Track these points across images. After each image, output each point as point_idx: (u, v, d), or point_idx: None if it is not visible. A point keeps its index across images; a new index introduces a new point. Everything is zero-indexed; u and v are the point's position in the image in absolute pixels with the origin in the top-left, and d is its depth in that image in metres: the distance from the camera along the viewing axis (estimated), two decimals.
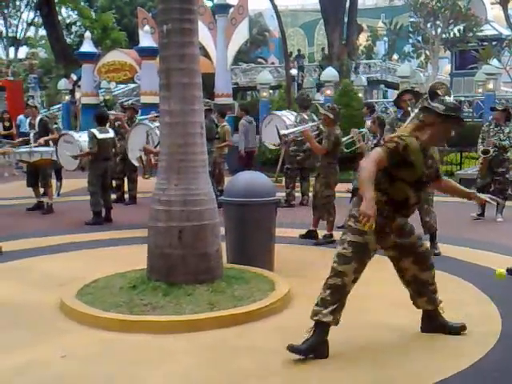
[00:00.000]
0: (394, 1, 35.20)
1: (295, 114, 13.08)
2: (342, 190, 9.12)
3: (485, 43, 22.76)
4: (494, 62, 17.83)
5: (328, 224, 8.48)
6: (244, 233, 6.75)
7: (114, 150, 10.71)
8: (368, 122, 12.94)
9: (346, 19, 26.25)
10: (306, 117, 12.03)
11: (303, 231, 8.74)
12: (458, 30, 25.02)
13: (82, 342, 4.85)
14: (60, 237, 8.84)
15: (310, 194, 9.41)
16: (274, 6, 19.76)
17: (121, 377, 4.23)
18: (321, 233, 8.58)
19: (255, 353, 4.60)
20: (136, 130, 11.39)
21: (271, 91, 23.04)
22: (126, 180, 12.56)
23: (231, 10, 22.30)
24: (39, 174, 11.18)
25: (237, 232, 6.81)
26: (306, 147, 11.27)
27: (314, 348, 4.43)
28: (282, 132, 10.54)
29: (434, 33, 24.33)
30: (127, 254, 7.71)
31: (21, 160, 11.58)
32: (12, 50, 41.46)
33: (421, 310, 4.97)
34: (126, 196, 12.52)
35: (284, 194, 11.70)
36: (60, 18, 36.00)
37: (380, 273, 5.22)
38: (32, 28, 43.54)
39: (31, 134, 11.57)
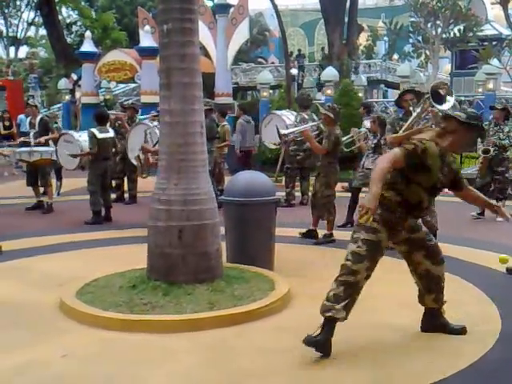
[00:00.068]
0: (394, 1, 35.25)
1: (295, 113, 13.08)
2: (338, 188, 9.09)
3: (485, 43, 22.80)
4: (494, 61, 17.86)
5: (328, 223, 8.48)
6: (244, 232, 6.75)
7: (114, 149, 10.70)
8: (365, 122, 12.97)
9: (346, 19, 26.24)
10: (306, 116, 12.03)
11: (303, 230, 8.74)
12: (459, 30, 25.04)
13: (82, 341, 4.85)
14: (60, 236, 8.84)
15: (310, 194, 9.40)
16: (275, 6, 19.75)
17: (121, 376, 4.23)
18: (321, 232, 8.58)
19: (255, 352, 4.60)
20: (136, 129, 11.39)
21: (271, 91, 23.04)
22: (125, 179, 12.57)
23: (231, 9, 22.30)
24: (39, 174, 11.19)
25: (237, 231, 6.81)
26: (306, 147, 11.26)
27: (322, 345, 4.43)
28: (282, 132, 10.53)
29: (434, 32, 24.35)
30: (127, 253, 7.71)
31: (21, 159, 11.58)
32: (12, 49, 41.47)
33: (422, 310, 4.97)
34: (126, 195, 12.53)
35: (284, 193, 11.70)
36: (60, 17, 35.98)
37: (385, 273, 5.22)
38: (32, 28, 43.54)
39: (31, 134, 11.57)
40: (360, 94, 19.89)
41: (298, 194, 12.23)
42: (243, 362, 4.43)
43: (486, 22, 27.23)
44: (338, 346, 4.59)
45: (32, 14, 40.34)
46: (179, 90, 5.82)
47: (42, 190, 11.52)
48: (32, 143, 11.34)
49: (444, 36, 24.92)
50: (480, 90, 20.26)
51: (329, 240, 8.40)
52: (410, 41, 27.76)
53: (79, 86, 23.50)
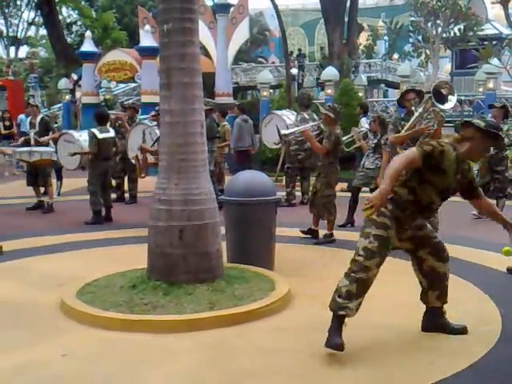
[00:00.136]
0: (394, 0, 35.23)
1: (295, 113, 13.08)
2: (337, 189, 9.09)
3: (485, 42, 22.79)
4: (495, 61, 17.85)
5: (328, 223, 8.48)
6: (244, 232, 6.75)
7: (114, 149, 10.70)
8: (361, 122, 13.01)
9: (346, 18, 26.23)
10: (306, 116, 12.03)
11: (304, 229, 8.74)
12: (459, 29, 25.04)
13: (82, 341, 4.85)
14: (60, 236, 8.84)
15: (310, 194, 9.40)
16: (275, 6, 19.74)
17: (121, 376, 4.23)
18: (321, 232, 8.58)
19: (255, 352, 4.60)
20: (136, 129, 11.40)
21: (271, 90, 23.03)
22: (126, 179, 12.57)
23: (231, 9, 22.28)
24: (39, 174, 11.19)
25: (237, 231, 6.81)
26: (306, 146, 11.25)
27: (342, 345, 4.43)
28: (283, 132, 10.54)
29: (434, 32, 24.36)
30: (127, 253, 7.71)
31: (21, 159, 11.58)
32: (13, 49, 41.52)
33: (422, 311, 4.97)
34: (127, 195, 12.53)
35: (284, 193, 11.70)
36: (60, 17, 35.96)
37: (384, 274, 5.21)
38: (33, 27, 43.58)
39: (31, 134, 11.57)
40: (360, 94, 19.89)
41: (298, 193, 12.23)
42: (243, 361, 4.43)
43: (486, 21, 27.24)
44: None
45: (32, 14, 40.44)
46: (179, 89, 5.81)
47: (42, 189, 11.53)
48: (32, 143, 11.33)
49: (444, 35, 24.93)
50: (480, 89, 20.26)
51: (329, 240, 8.40)
52: (410, 40, 27.78)
53: (79, 85, 23.48)
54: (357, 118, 14.51)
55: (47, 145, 11.38)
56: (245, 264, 6.51)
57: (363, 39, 34.26)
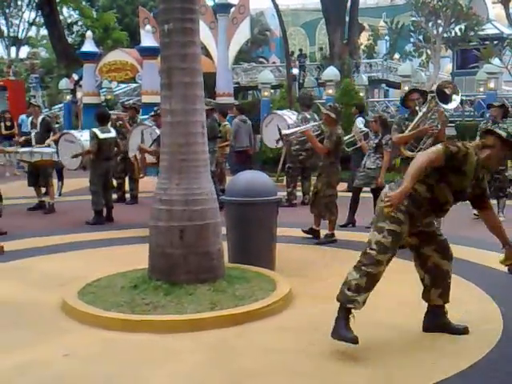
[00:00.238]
0: (395, 0, 35.20)
1: (296, 113, 13.08)
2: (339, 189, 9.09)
3: (486, 42, 22.72)
4: (496, 61, 17.82)
5: (330, 223, 8.48)
6: (245, 232, 6.75)
7: (116, 149, 10.71)
8: (357, 122, 13.01)
9: (347, 18, 26.22)
10: (308, 116, 12.03)
11: (305, 229, 8.74)
12: (460, 29, 25.00)
13: (84, 341, 4.85)
14: (61, 236, 8.84)
15: (311, 194, 9.39)
16: (276, 6, 19.74)
17: (122, 377, 4.23)
18: (322, 232, 8.58)
19: (257, 352, 4.60)
20: (137, 129, 11.39)
21: (272, 91, 23.00)
22: (127, 179, 12.57)
23: (232, 9, 22.30)
24: (40, 174, 11.19)
25: (238, 231, 6.81)
26: (308, 146, 11.25)
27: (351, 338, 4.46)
28: (284, 132, 10.53)
29: (435, 32, 24.31)
30: (128, 253, 7.72)
31: (22, 160, 11.57)
32: (13, 49, 41.52)
33: (424, 310, 4.97)
34: (128, 195, 12.54)
35: (285, 193, 11.70)
36: (61, 17, 35.97)
37: (387, 273, 5.20)
38: (33, 28, 43.55)
39: (33, 134, 11.57)
40: (361, 94, 19.88)
41: (299, 193, 12.23)
42: (245, 361, 4.43)
43: (487, 21, 27.20)
44: (339, 345, 4.59)
45: (33, 14, 40.43)
46: (180, 89, 5.82)
47: (43, 190, 11.53)
48: (33, 143, 11.34)
49: (445, 35, 24.88)
50: (481, 89, 20.25)
51: (330, 240, 8.40)
52: (411, 40, 27.71)
53: (80, 86, 23.49)
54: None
55: (48, 145, 11.38)
56: (246, 264, 6.51)
57: (364, 39, 34.25)
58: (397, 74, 24.02)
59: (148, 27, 20.87)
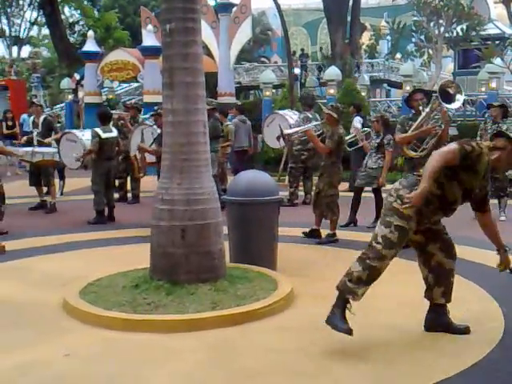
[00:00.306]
0: (397, 0, 35.19)
1: (297, 113, 13.08)
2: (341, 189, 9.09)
3: (488, 42, 22.77)
4: (497, 60, 17.84)
5: (331, 223, 8.48)
6: (247, 232, 6.75)
7: (117, 148, 10.71)
8: (354, 121, 13.03)
9: (349, 18, 26.21)
10: (309, 115, 12.03)
11: (306, 230, 8.74)
12: (461, 29, 25.01)
13: (85, 341, 4.85)
14: (62, 236, 8.84)
15: (313, 193, 9.39)
16: (277, 5, 19.73)
17: (124, 376, 4.22)
18: (323, 232, 8.57)
19: (258, 352, 4.60)
20: (138, 129, 11.41)
21: (274, 90, 23.01)
22: (128, 179, 12.58)
23: (234, 9, 22.30)
24: (41, 174, 11.19)
25: (240, 231, 6.81)
26: (309, 146, 11.25)
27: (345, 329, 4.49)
28: (286, 132, 10.53)
29: (437, 32, 24.32)
30: (130, 253, 7.72)
31: (23, 159, 11.58)
32: (15, 49, 41.52)
33: (425, 310, 4.97)
34: (129, 195, 12.54)
35: (287, 193, 11.69)
36: (63, 17, 35.99)
37: (388, 273, 5.20)
38: (35, 27, 43.56)
39: (34, 133, 11.58)
40: (363, 94, 19.87)
41: (301, 193, 12.23)
42: (246, 361, 4.43)
43: (489, 21, 27.19)
44: (339, 345, 4.59)
45: (35, 14, 40.48)
46: (182, 89, 5.81)
47: (45, 189, 11.54)
48: (35, 143, 11.34)
49: (447, 35, 24.89)
50: (483, 89, 20.23)
51: (332, 240, 8.40)
52: (413, 40, 27.72)
53: (82, 85, 23.51)
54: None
55: (50, 145, 11.39)
56: (247, 264, 6.51)
57: (366, 39, 34.23)
58: (398, 74, 24.06)
59: (150, 27, 20.87)
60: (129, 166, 12.07)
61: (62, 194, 13.04)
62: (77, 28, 40.24)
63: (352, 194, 9.97)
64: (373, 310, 5.50)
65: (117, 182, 12.06)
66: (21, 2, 39.76)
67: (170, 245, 5.78)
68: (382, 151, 9.38)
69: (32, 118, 12.30)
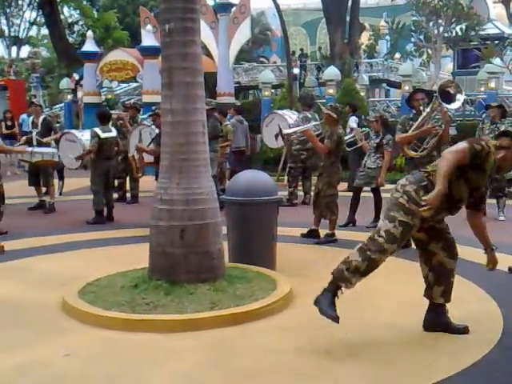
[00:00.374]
0: (396, 0, 35.21)
1: (297, 113, 13.08)
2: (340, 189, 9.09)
3: (487, 42, 22.76)
4: (497, 60, 17.84)
5: (330, 223, 8.48)
6: (246, 232, 6.75)
7: (116, 148, 10.71)
8: (350, 121, 13.05)
9: (348, 18, 26.23)
10: (309, 115, 12.03)
11: (305, 230, 8.74)
12: (461, 29, 25.01)
13: (84, 341, 4.85)
14: (61, 236, 8.84)
15: (312, 194, 9.40)
16: (276, 5, 19.74)
17: (123, 376, 4.22)
18: (322, 232, 8.57)
19: (257, 352, 4.60)
20: (137, 129, 11.41)
21: (273, 90, 23.02)
22: (127, 179, 12.58)
23: (233, 9, 22.30)
24: (41, 174, 11.19)
25: (239, 231, 6.81)
26: (309, 146, 11.25)
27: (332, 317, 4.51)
28: (285, 131, 10.53)
29: (436, 31, 24.33)
30: (129, 253, 7.71)
31: (23, 160, 11.58)
32: (14, 49, 41.56)
33: (425, 309, 4.97)
34: (128, 195, 12.54)
35: (286, 193, 11.70)
36: (62, 17, 36.03)
37: (388, 273, 5.22)
38: (34, 27, 43.58)
39: (34, 133, 11.57)
40: (362, 94, 19.86)
41: (300, 193, 12.23)
42: (245, 361, 4.42)
43: (488, 20, 27.21)
44: (339, 345, 4.60)
45: (34, 14, 40.50)
46: (181, 89, 5.81)
47: (44, 189, 11.54)
48: (34, 143, 11.33)
49: (446, 35, 24.89)
50: (482, 89, 20.24)
51: (331, 240, 8.40)
52: (412, 40, 27.73)
53: (81, 85, 23.50)
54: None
55: (49, 145, 11.38)
56: (246, 264, 6.51)
57: (365, 39, 34.28)
58: (397, 74, 24.07)
59: (149, 27, 20.87)
60: (128, 166, 12.07)
61: (61, 194, 13.04)
62: (76, 28, 40.24)
63: (351, 193, 9.97)
64: (373, 309, 5.51)
65: (116, 182, 12.06)
66: (20, 2, 39.79)
67: (168, 245, 5.78)
68: (381, 151, 9.38)
69: (31, 118, 12.29)
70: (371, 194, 9.58)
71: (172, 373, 4.26)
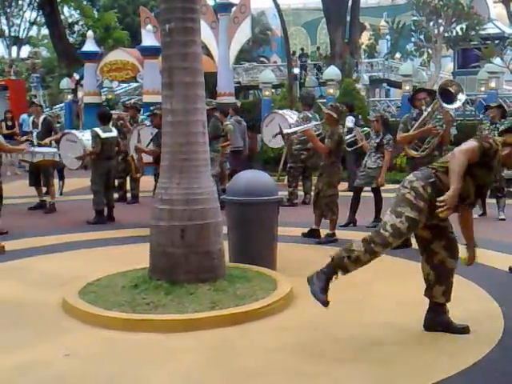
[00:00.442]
0: None
1: (297, 113, 13.08)
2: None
3: (487, 41, 22.76)
4: (497, 60, 17.83)
5: (331, 223, 8.47)
6: (246, 232, 6.74)
7: (117, 148, 10.71)
8: (346, 121, 13.04)
9: (348, 18, 26.21)
10: (309, 115, 12.02)
11: (305, 230, 8.74)
12: (461, 29, 24.98)
13: (85, 341, 4.85)
14: (62, 236, 8.84)
15: (313, 193, 9.39)
16: (277, 5, 19.74)
17: (123, 376, 4.22)
18: (323, 232, 8.57)
19: (257, 352, 4.60)
20: (136, 130, 11.38)
21: (273, 90, 23.00)
22: (128, 179, 12.57)
23: (233, 8, 22.27)
24: (41, 174, 11.19)
25: (239, 231, 6.81)
26: (309, 146, 11.25)
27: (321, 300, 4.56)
28: (285, 131, 10.52)
29: (436, 31, 24.29)
30: (129, 253, 7.71)
31: (23, 160, 11.58)
32: (14, 49, 41.54)
33: (425, 309, 4.97)
34: (129, 195, 12.54)
35: (286, 193, 11.69)
36: (62, 17, 36.01)
37: (387, 273, 5.23)
38: (34, 27, 43.59)
39: (34, 133, 11.57)
40: (362, 93, 19.85)
41: (300, 193, 12.22)
42: (245, 361, 4.42)
43: (489, 20, 27.19)
44: (339, 345, 4.59)
45: (34, 14, 40.48)
46: (181, 89, 5.81)
47: (44, 189, 11.54)
48: (35, 143, 11.34)
49: (446, 35, 24.86)
50: (482, 88, 20.22)
51: (331, 239, 8.39)
52: (413, 39, 27.70)
53: (81, 85, 23.49)
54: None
55: (49, 144, 11.39)
56: (247, 264, 6.50)
57: (365, 38, 34.24)
58: (398, 74, 24.02)
59: (149, 27, 20.85)
60: (128, 166, 12.07)
61: (61, 194, 13.04)
62: (76, 28, 40.26)
63: (351, 193, 9.97)
64: (372, 309, 5.51)
65: (116, 182, 12.06)
66: (20, 2, 39.79)
67: (169, 245, 5.78)
68: (381, 151, 9.38)
69: (32, 118, 12.30)
70: (371, 194, 9.57)
71: (172, 373, 4.25)
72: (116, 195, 11.66)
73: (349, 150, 10.85)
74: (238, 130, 13.79)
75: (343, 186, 11.29)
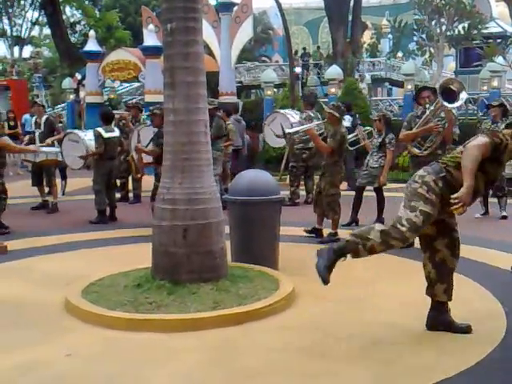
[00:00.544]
0: None
1: (299, 112, 13.07)
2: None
3: (489, 40, 22.77)
4: (499, 59, 17.81)
5: (333, 222, 8.47)
6: (248, 231, 6.75)
7: (120, 148, 10.71)
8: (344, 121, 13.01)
9: (350, 17, 26.20)
10: (311, 114, 12.02)
11: (308, 228, 8.73)
12: (463, 28, 24.98)
13: (87, 340, 4.85)
14: (64, 236, 8.84)
15: (314, 193, 9.38)
16: (278, 4, 19.73)
17: (125, 376, 4.22)
18: (325, 232, 8.57)
19: (259, 351, 4.60)
20: (137, 130, 11.39)
21: (275, 89, 22.99)
22: (130, 179, 12.57)
23: (235, 8, 22.25)
24: (44, 174, 11.20)
25: (241, 230, 6.81)
26: (311, 145, 11.24)
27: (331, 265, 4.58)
28: (287, 131, 10.52)
29: (438, 30, 24.30)
30: (131, 252, 7.72)
31: (26, 160, 11.59)
32: (16, 49, 41.60)
33: (427, 310, 4.96)
34: (131, 195, 12.55)
35: (288, 192, 11.69)
36: (64, 17, 36.02)
37: (389, 272, 5.22)
38: (36, 27, 43.66)
39: (37, 133, 11.58)
40: (364, 92, 19.83)
41: (302, 192, 12.22)
42: (247, 361, 4.42)
43: (491, 19, 27.18)
44: (340, 344, 4.59)
45: (36, 14, 40.57)
46: (183, 88, 5.81)
47: (46, 189, 11.54)
48: (37, 144, 11.34)
49: (448, 34, 24.86)
50: (485, 87, 20.19)
51: (334, 239, 8.36)
52: (415, 39, 27.71)
53: (83, 85, 23.49)
54: (361, 117, 14.51)
55: (52, 144, 11.40)
56: (249, 263, 6.51)
57: (367, 38, 34.25)
58: (400, 73, 24.03)
59: (151, 26, 20.85)
60: (130, 166, 12.08)
61: (63, 193, 13.06)
62: (78, 28, 40.28)
63: (352, 193, 9.96)
64: (373, 309, 5.50)
65: (118, 182, 12.06)
66: (22, 2, 39.82)
67: (171, 244, 5.78)
68: (383, 150, 9.37)
69: (34, 118, 12.31)
70: (374, 194, 9.57)
71: (173, 373, 4.26)
72: (118, 195, 11.67)
73: (351, 149, 10.84)
74: (237, 129, 13.80)
75: (343, 185, 11.32)
